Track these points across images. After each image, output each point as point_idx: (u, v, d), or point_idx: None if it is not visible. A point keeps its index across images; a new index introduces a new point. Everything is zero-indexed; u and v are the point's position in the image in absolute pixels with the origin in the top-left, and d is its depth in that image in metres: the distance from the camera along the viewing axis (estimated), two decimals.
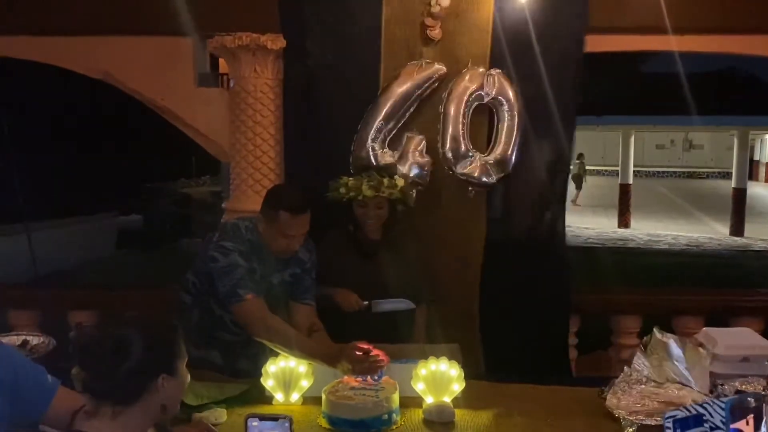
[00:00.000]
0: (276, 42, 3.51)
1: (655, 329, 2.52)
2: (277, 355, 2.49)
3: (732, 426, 1.60)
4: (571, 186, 17.64)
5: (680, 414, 1.63)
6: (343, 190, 3.08)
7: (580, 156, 20.78)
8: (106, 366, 1.53)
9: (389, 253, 3.11)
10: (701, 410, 1.64)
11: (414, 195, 3.43)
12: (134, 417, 1.57)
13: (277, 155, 3.65)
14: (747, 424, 1.61)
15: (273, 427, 1.79)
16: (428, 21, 3.41)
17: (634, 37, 3.72)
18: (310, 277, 2.89)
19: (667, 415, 1.63)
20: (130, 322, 1.62)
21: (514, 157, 3.47)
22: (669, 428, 1.62)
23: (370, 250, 3.10)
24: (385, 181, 3.07)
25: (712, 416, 1.63)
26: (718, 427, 1.62)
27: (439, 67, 3.44)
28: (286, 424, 1.78)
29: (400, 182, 3.15)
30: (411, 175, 3.41)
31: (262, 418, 1.83)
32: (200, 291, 2.78)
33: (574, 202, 19.61)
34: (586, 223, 17.48)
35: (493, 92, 3.40)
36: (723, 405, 1.62)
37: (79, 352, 1.56)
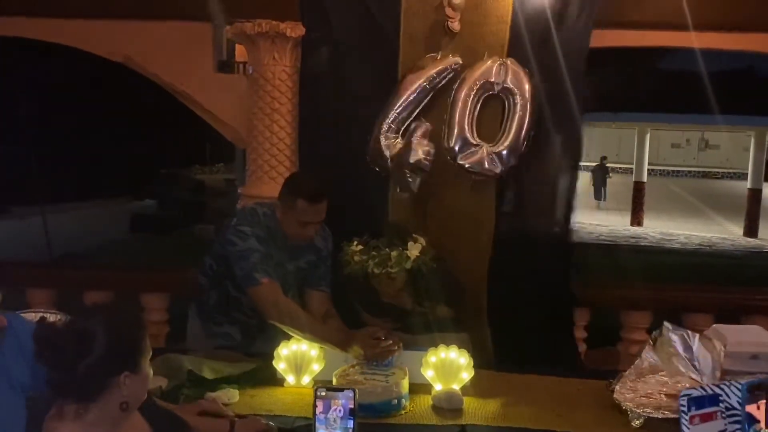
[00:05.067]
0: (295, 29, 3.53)
1: (665, 323, 2.53)
2: (291, 338, 2.52)
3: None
4: None
5: (696, 393, 1.63)
6: (351, 262, 2.92)
7: None
8: (67, 360, 1.51)
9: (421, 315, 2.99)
10: (718, 390, 1.64)
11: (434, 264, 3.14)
12: (97, 416, 1.55)
13: (293, 142, 3.68)
14: (758, 408, 1.62)
15: (339, 396, 1.93)
16: (448, 12, 3.41)
17: (652, 33, 3.71)
18: (326, 265, 2.92)
19: (682, 393, 1.63)
20: (94, 315, 1.59)
21: (523, 149, 3.46)
22: (684, 406, 1.61)
23: (389, 310, 2.97)
24: (394, 254, 2.86)
25: (728, 397, 1.63)
26: (733, 408, 1.62)
27: (455, 59, 3.44)
28: (351, 395, 1.92)
29: (414, 251, 2.90)
30: (412, 161, 3.40)
31: (329, 389, 1.96)
32: (217, 274, 2.83)
33: None
34: (599, 220, 17.41)
35: (505, 82, 3.38)
36: (740, 386, 1.62)
37: (39, 345, 1.52)
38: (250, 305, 2.75)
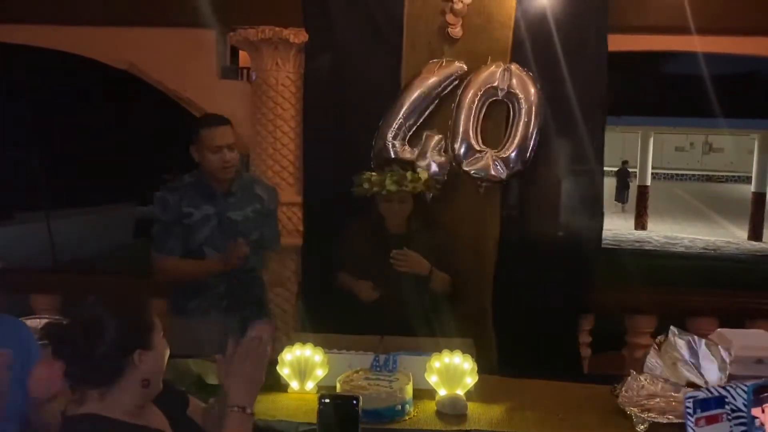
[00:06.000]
0: (298, 36, 3.54)
1: (671, 328, 2.53)
2: (293, 344, 2.53)
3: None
4: None
5: (702, 395, 1.60)
6: (366, 185, 3.07)
7: None
8: (80, 352, 1.54)
9: (413, 245, 3.08)
10: (723, 392, 1.62)
11: (438, 187, 3.42)
12: (120, 396, 1.58)
13: (296, 148, 3.69)
14: (763, 412, 1.60)
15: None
16: (450, 18, 3.43)
17: (655, 37, 3.71)
18: (275, 222, 3.16)
19: (687, 395, 1.61)
20: (97, 304, 1.62)
21: (528, 155, 3.46)
22: (689, 408, 1.59)
23: (394, 242, 3.09)
24: (408, 174, 3.04)
25: (734, 399, 1.60)
26: (739, 410, 1.60)
27: (460, 65, 3.45)
28: (353, 402, 1.89)
29: (424, 175, 3.12)
30: (429, 173, 3.42)
31: (333, 397, 1.93)
32: None
33: None
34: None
35: (509, 87, 3.39)
36: (746, 388, 1.60)
37: (53, 343, 1.56)
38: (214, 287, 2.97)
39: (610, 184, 21.16)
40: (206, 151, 2.88)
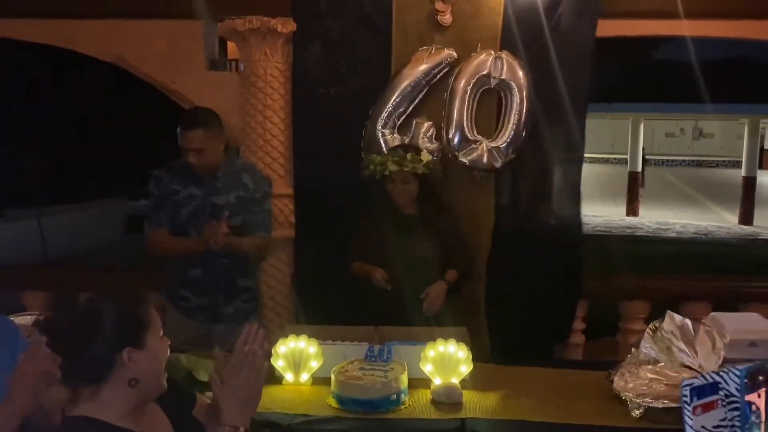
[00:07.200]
0: (286, 25, 3.51)
1: (668, 312, 2.53)
2: (287, 336, 2.52)
3: (745, 398, 1.58)
4: None
5: (697, 382, 1.60)
6: (372, 166, 3.17)
7: None
8: (68, 345, 1.51)
9: (427, 228, 3.13)
10: (717, 378, 1.62)
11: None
12: (111, 395, 1.54)
13: (286, 138, 3.67)
14: (759, 396, 1.60)
15: None
16: (439, 6, 3.41)
17: (645, 22, 3.70)
18: (262, 209, 3.09)
19: (684, 383, 1.60)
20: (88, 300, 1.59)
21: (521, 142, 3.46)
22: (686, 396, 1.58)
23: (408, 225, 3.13)
24: (409, 155, 3.11)
25: (727, 384, 1.60)
26: (732, 395, 1.60)
27: (450, 53, 3.44)
28: None
29: (426, 157, 3.16)
30: (423, 161, 3.41)
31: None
32: None
33: None
34: (595, 211, 17.41)
35: (501, 75, 3.38)
36: (738, 372, 1.59)
37: (48, 338, 1.53)
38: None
39: (619, 172, 21.33)
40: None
